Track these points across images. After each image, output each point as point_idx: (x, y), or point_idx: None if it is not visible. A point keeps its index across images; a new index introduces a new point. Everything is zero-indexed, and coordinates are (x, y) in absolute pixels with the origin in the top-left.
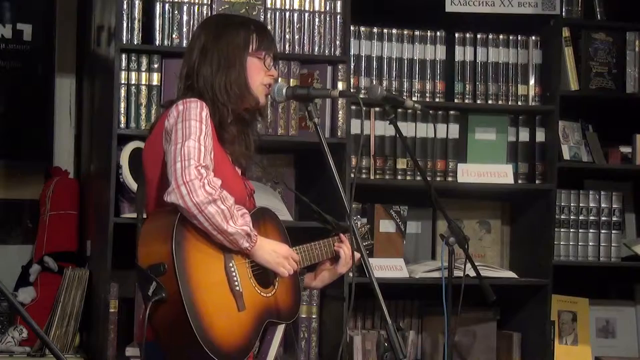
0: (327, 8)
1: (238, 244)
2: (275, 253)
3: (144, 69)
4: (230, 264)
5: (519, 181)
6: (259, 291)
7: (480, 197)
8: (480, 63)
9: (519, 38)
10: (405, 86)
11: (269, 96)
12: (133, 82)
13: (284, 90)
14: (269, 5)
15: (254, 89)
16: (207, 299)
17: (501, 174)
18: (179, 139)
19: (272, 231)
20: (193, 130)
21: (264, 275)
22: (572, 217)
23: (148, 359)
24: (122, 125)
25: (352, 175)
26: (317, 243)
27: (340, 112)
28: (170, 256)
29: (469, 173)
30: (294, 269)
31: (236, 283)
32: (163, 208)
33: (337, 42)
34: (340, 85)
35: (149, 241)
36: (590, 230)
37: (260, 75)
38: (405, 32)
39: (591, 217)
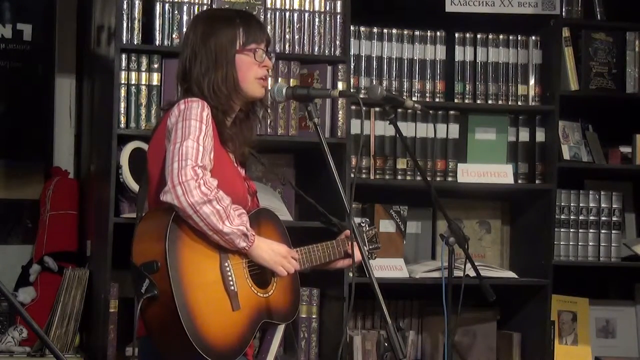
0: (327, 8)
1: (234, 244)
2: (273, 252)
3: (144, 69)
4: (226, 264)
5: (519, 181)
6: (256, 291)
7: (480, 197)
8: (480, 63)
9: (519, 38)
10: (405, 86)
11: (269, 95)
12: (133, 82)
13: (284, 90)
14: (269, 5)
15: (246, 85)
16: (201, 298)
17: (501, 174)
18: (177, 139)
19: (272, 231)
20: (192, 130)
21: (261, 276)
22: (572, 217)
23: (142, 354)
24: (122, 125)
25: (352, 175)
26: (318, 245)
27: (340, 112)
28: (163, 254)
29: (469, 173)
30: (294, 268)
31: (231, 283)
32: (160, 207)
33: (337, 42)
34: (340, 85)
35: (144, 239)
36: (590, 230)
37: (252, 71)
38: (405, 32)
39: (591, 217)
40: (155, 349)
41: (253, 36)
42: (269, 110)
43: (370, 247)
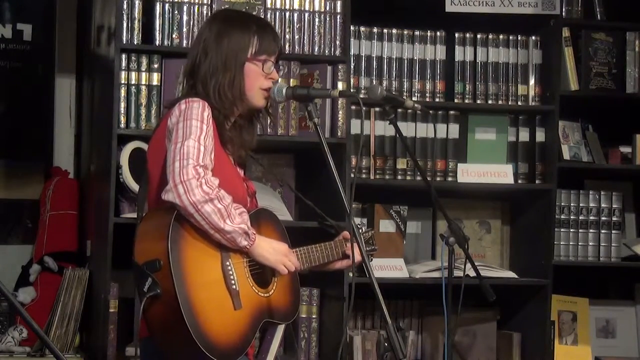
0: (327, 8)
1: (236, 242)
2: (274, 250)
3: (144, 69)
4: (227, 263)
5: (519, 181)
6: (257, 290)
7: (480, 197)
8: (480, 63)
9: (519, 38)
10: (405, 86)
11: (270, 97)
12: (133, 82)
13: (284, 90)
14: (269, 5)
15: (251, 93)
16: (203, 296)
17: (501, 174)
18: (179, 138)
19: (271, 231)
20: (194, 130)
21: (262, 275)
22: (572, 217)
23: (144, 356)
24: (122, 125)
25: (352, 175)
26: (317, 246)
27: (340, 112)
28: (166, 253)
29: (469, 173)
30: (294, 267)
31: (233, 282)
32: (161, 206)
33: (337, 42)
34: (340, 85)
35: (146, 238)
36: (590, 230)
37: (258, 81)
38: (405, 32)
39: (591, 217)
40: (157, 349)
41: (266, 47)
42: (270, 115)
43: (367, 249)
